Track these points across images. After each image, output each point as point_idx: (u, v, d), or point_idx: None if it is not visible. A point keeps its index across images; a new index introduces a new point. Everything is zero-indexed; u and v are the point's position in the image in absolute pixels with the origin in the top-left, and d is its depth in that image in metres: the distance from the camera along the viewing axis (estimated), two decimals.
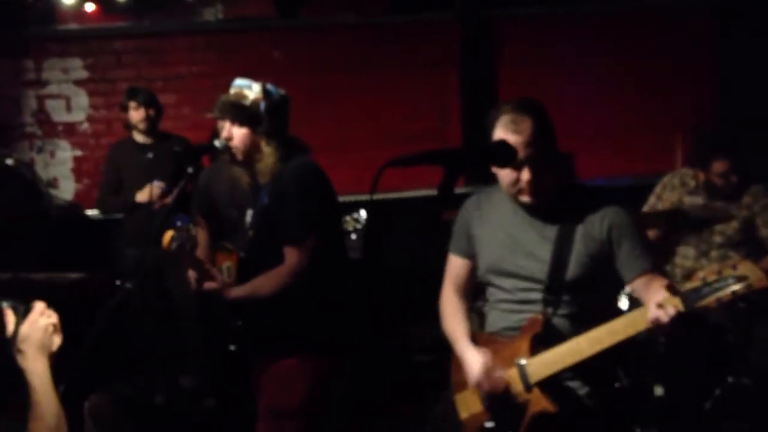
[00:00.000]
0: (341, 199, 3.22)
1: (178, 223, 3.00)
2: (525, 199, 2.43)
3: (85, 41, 6.07)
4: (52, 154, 6.08)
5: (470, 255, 2.65)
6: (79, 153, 6.11)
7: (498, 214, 2.55)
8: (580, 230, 2.41)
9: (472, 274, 2.68)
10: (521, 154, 2.31)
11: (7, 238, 4.80)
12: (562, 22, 6.49)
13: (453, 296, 2.71)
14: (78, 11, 6.03)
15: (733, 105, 6.29)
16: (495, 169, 2.43)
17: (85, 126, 6.11)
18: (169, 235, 3.00)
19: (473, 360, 2.50)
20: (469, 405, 2.58)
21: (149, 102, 4.93)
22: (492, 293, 2.61)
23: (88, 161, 6.03)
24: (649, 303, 2.26)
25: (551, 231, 2.44)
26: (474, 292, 2.77)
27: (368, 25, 6.40)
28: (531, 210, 2.46)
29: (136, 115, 4.92)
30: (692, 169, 4.31)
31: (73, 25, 6.17)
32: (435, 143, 5.89)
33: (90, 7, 6.03)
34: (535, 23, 6.47)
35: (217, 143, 3.06)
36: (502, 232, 2.52)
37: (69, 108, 6.08)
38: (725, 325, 3.86)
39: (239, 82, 3.04)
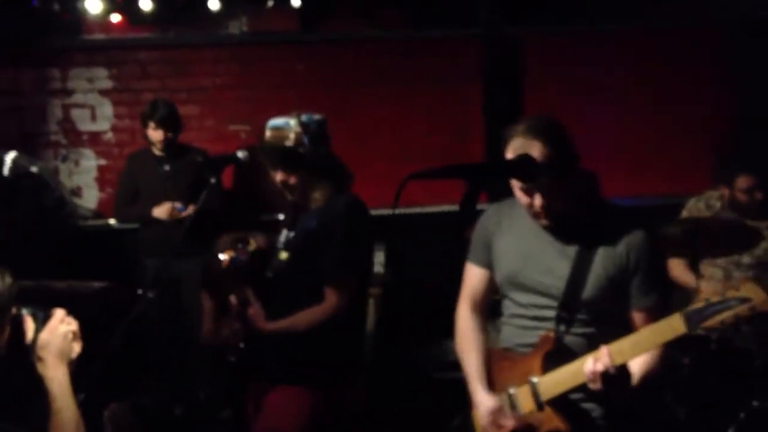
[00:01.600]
0: None
1: (240, 245, 2.98)
2: (542, 222, 2.41)
3: (111, 51, 6.12)
4: (77, 163, 6.12)
5: (488, 265, 2.62)
6: (103, 162, 6.15)
7: (519, 225, 2.52)
8: (601, 250, 2.38)
9: (490, 285, 2.65)
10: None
11: (30, 245, 4.83)
12: (586, 39, 6.46)
13: (469, 314, 2.68)
14: (104, 22, 6.07)
15: (755, 122, 6.22)
16: (514, 188, 2.41)
17: (110, 135, 6.15)
18: (229, 255, 2.97)
19: (482, 406, 2.50)
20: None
21: (168, 124, 4.94)
22: (507, 307, 2.59)
23: (111, 171, 6.06)
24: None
25: (572, 248, 2.41)
26: (494, 309, 2.74)
27: (391, 40, 6.40)
28: (555, 226, 2.43)
29: (155, 135, 4.96)
30: (716, 189, 4.26)
31: (98, 36, 6.21)
32: (457, 159, 5.87)
33: (116, 18, 6.07)
34: (558, 40, 6.45)
35: (240, 154, 3.06)
36: (521, 245, 2.49)
37: (94, 117, 6.13)
38: (751, 349, 3.80)
39: (274, 122, 2.96)
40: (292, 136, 2.91)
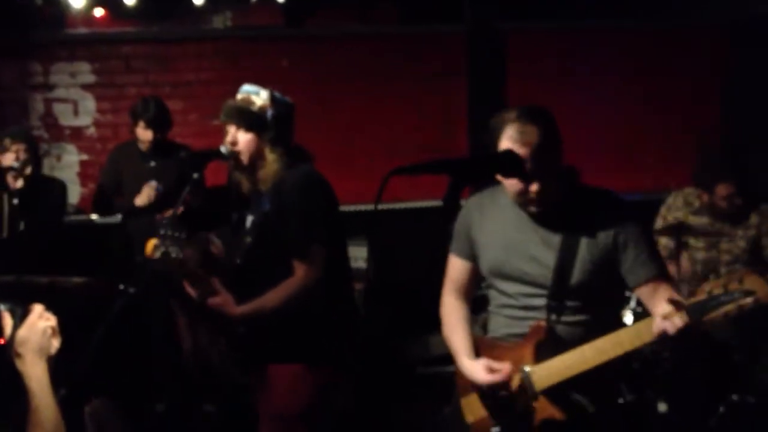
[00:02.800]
0: (347, 209, 3.20)
1: (162, 231, 2.95)
2: (533, 209, 2.39)
3: (94, 46, 6.08)
4: (59, 158, 6.09)
5: (471, 257, 2.61)
6: (85, 157, 6.11)
7: (501, 215, 2.51)
8: (584, 236, 2.37)
9: (473, 276, 2.64)
10: (529, 165, 2.27)
11: (13, 241, 4.78)
12: (571, 36, 6.49)
13: (453, 301, 2.67)
14: (87, 16, 6.04)
15: (739, 123, 6.27)
16: (501, 178, 2.41)
17: (92, 130, 6.11)
18: (152, 243, 2.94)
19: (474, 368, 2.47)
20: (474, 409, 2.54)
21: (157, 125, 4.90)
22: (495, 297, 2.57)
23: (94, 166, 6.03)
24: (655, 314, 2.24)
25: (555, 236, 2.40)
26: (476, 304, 2.75)
27: (377, 36, 6.40)
28: (540, 213, 2.42)
29: (144, 134, 4.91)
30: (696, 188, 4.29)
31: (81, 30, 6.18)
32: (442, 154, 5.87)
33: (99, 12, 6.04)
34: (544, 36, 6.47)
35: (222, 149, 3.05)
36: (504, 235, 2.48)
37: (76, 112, 6.09)
38: (731, 343, 3.84)
39: (247, 87, 3.05)
40: (258, 102, 2.98)
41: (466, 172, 1.98)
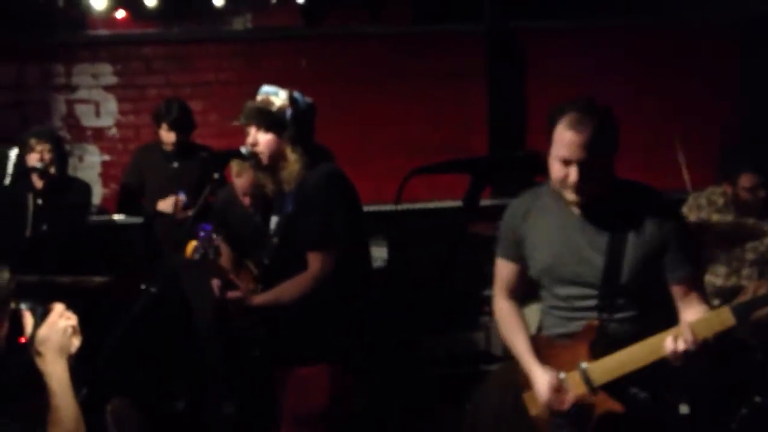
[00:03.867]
0: (364, 209, 3.20)
1: (201, 234, 3.02)
2: (569, 196, 2.40)
3: (115, 47, 6.12)
4: (81, 159, 6.13)
5: (519, 259, 2.65)
6: (107, 158, 6.15)
7: (548, 217, 2.53)
8: (632, 233, 2.41)
9: (522, 276, 2.69)
10: (576, 154, 2.30)
11: (36, 241, 4.82)
12: (589, 35, 6.45)
13: (507, 303, 2.73)
14: (108, 17, 6.07)
15: (756, 121, 6.21)
16: (551, 159, 2.39)
17: (114, 131, 6.15)
18: (192, 244, 3.02)
19: (540, 380, 2.52)
20: (537, 403, 2.59)
21: (181, 127, 4.92)
22: (545, 297, 2.62)
23: (116, 166, 6.06)
24: (682, 320, 2.34)
25: (603, 235, 2.43)
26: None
27: (395, 35, 6.39)
28: (582, 213, 2.45)
29: (167, 136, 4.94)
30: (719, 185, 4.26)
31: (103, 31, 6.21)
32: (460, 154, 5.85)
33: (120, 14, 6.07)
34: (561, 36, 6.43)
35: (243, 149, 3.07)
36: (553, 237, 2.51)
37: (98, 113, 6.13)
38: (753, 343, 3.79)
39: (266, 88, 3.07)
40: (278, 103, 3.01)
41: (486, 172, 1.99)
